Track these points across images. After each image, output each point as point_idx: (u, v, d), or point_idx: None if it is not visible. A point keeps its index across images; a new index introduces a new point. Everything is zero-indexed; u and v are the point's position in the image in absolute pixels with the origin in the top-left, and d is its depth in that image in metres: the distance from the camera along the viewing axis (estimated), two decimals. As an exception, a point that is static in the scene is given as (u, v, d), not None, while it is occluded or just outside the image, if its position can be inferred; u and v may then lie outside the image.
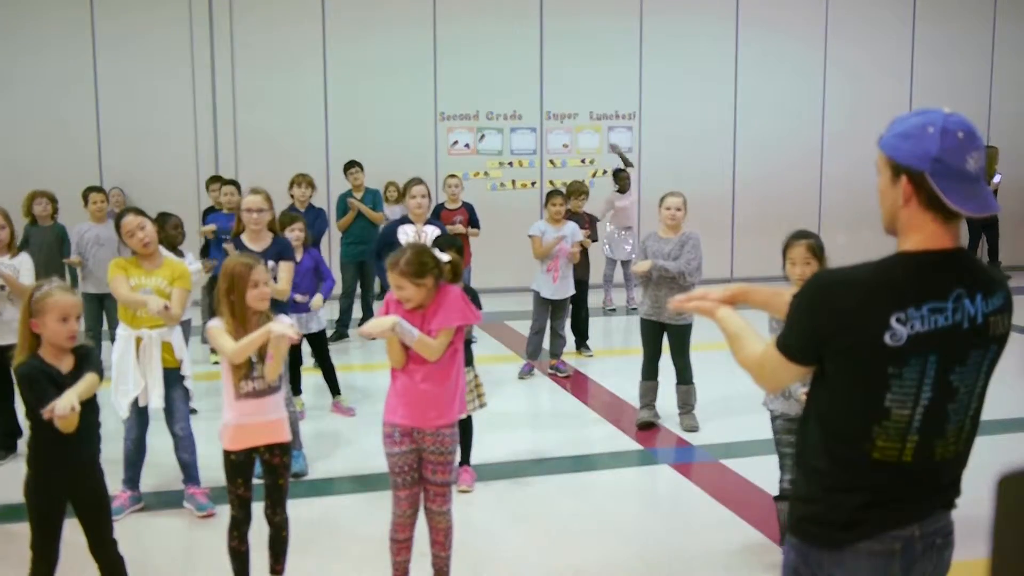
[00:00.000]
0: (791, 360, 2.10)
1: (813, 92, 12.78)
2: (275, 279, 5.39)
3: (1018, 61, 13.49)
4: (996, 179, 12.42)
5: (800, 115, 12.72)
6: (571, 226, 7.65)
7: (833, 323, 2.00)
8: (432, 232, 6.43)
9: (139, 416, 4.95)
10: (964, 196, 1.94)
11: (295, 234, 6.44)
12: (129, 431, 4.96)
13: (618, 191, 10.39)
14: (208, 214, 8.85)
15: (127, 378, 4.84)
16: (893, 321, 1.95)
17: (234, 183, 8.55)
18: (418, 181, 6.90)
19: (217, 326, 3.84)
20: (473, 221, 8.67)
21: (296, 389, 6.67)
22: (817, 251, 4.35)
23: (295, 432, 5.36)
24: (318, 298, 6.41)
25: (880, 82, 12.80)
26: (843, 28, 12.67)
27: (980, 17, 13.32)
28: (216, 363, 7.58)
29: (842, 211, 12.51)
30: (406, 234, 6.53)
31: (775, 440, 4.35)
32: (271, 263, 5.40)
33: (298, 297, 6.18)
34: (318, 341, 6.67)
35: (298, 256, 6.48)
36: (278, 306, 6.65)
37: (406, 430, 3.80)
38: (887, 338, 1.95)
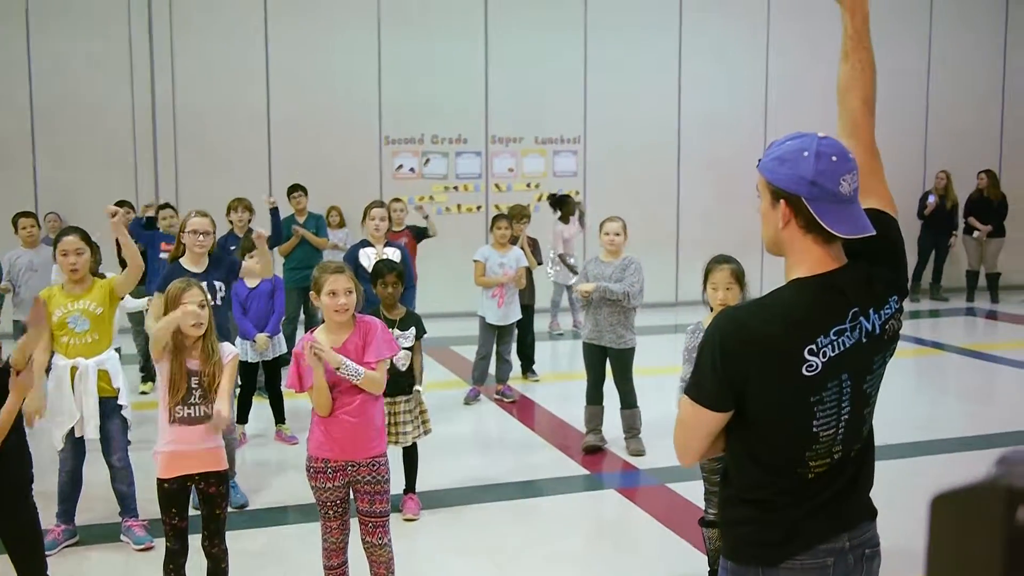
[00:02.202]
0: (710, 408, 2.07)
1: (756, 109, 12.85)
2: (222, 301, 5.31)
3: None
4: (930, 199, 12.63)
5: (744, 132, 12.66)
6: (516, 252, 7.66)
7: (752, 359, 2.02)
8: (393, 254, 6.43)
9: (75, 447, 4.82)
10: (837, 218, 2.00)
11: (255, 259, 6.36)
12: (64, 463, 4.82)
13: (560, 219, 10.33)
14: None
15: (62, 409, 4.72)
16: (807, 353, 2.00)
17: (171, 206, 8.53)
18: (378, 204, 6.94)
19: (158, 304, 3.88)
20: (419, 234, 8.64)
21: (243, 418, 6.58)
22: (739, 276, 4.29)
23: (231, 460, 5.26)
24: (262, 338, 6.37)
25: (826, 95, 12.99)
26: (784, 46, 12.74)
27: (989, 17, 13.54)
28: (144, 393, 7.46)
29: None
30: (368, 257, 6.52)
31: (702, 476, 4.33)
32: (218, 284, 5.33)
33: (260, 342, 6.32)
34: (274, 368, 6.61)
35: (258, 280, 6.42)
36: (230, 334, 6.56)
37: (339, 465, 3.77)
38: (804, 370, 2.00)
